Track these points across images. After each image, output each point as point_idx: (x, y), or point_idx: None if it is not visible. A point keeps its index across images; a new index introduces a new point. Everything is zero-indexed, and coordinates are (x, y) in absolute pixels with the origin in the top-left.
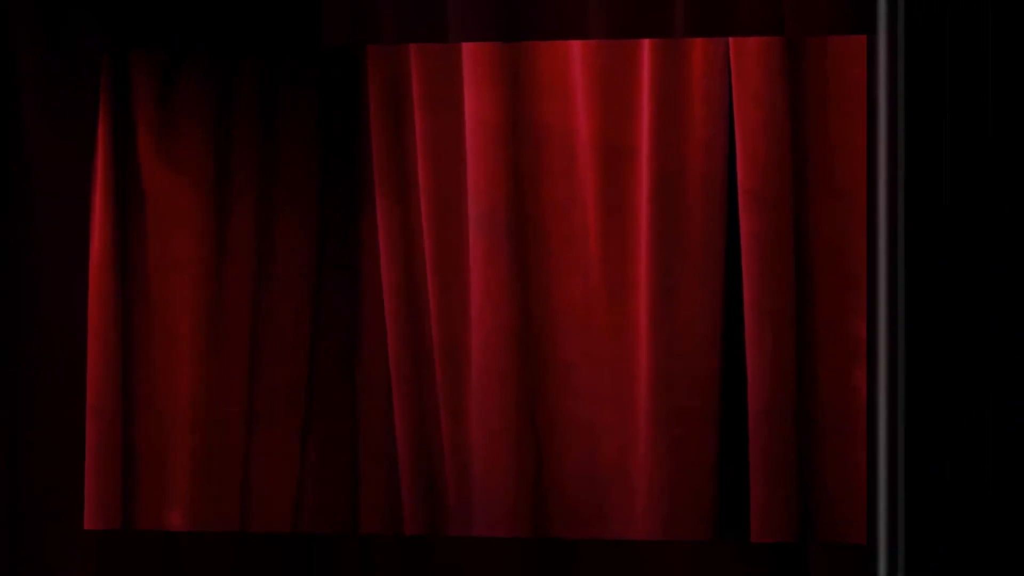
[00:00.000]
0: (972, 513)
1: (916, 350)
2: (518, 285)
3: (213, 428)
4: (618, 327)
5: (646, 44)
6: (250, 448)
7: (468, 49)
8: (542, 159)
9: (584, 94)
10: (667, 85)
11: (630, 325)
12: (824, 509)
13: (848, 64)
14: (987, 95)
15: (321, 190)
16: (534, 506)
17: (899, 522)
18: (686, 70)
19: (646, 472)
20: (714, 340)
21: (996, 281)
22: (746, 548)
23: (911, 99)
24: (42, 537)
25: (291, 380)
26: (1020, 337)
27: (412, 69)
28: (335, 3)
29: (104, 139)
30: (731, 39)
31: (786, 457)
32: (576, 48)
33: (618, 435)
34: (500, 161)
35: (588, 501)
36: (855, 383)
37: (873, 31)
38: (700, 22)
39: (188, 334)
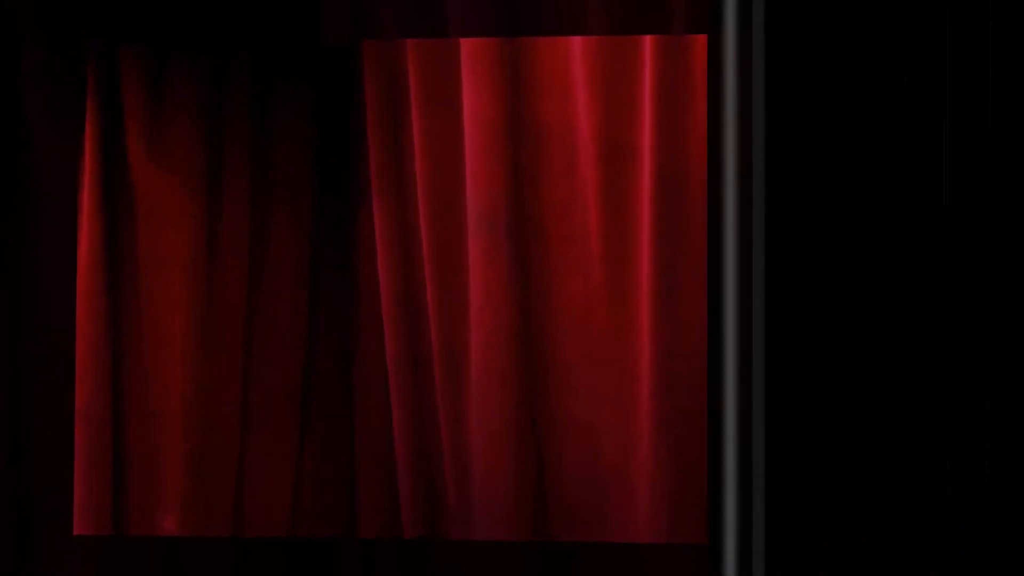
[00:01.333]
0: (831, 512)
1: (774, 348)
2: (518, 285)
3: (207, 430)
4: (619, 327)
5: (647, 41)
6: (245, 451)
7: (467, 46)
8: (542, 157)
9: (585, 92)
10: (669, 83)
11: (631, 325)
12: None
13: None
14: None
15: (317, 188)
16: (535, 508)
17: (754, 521)
18: (688, 67)
19: (648, 473)
20: None
21: (853, 276)
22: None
23: (771, 98)
24: (30, 542)
25: (287, 381)
26: (873, 331)
27: (410, 66)
28: (335, 1)
29: (92, 135)
30: None
31: None
32: (577, 45)
33: (619, 436)
34: (500, 160)
35: (589, 502)
36: None
37: (719, 30)
38: (700, 19)
39: (180, 334)
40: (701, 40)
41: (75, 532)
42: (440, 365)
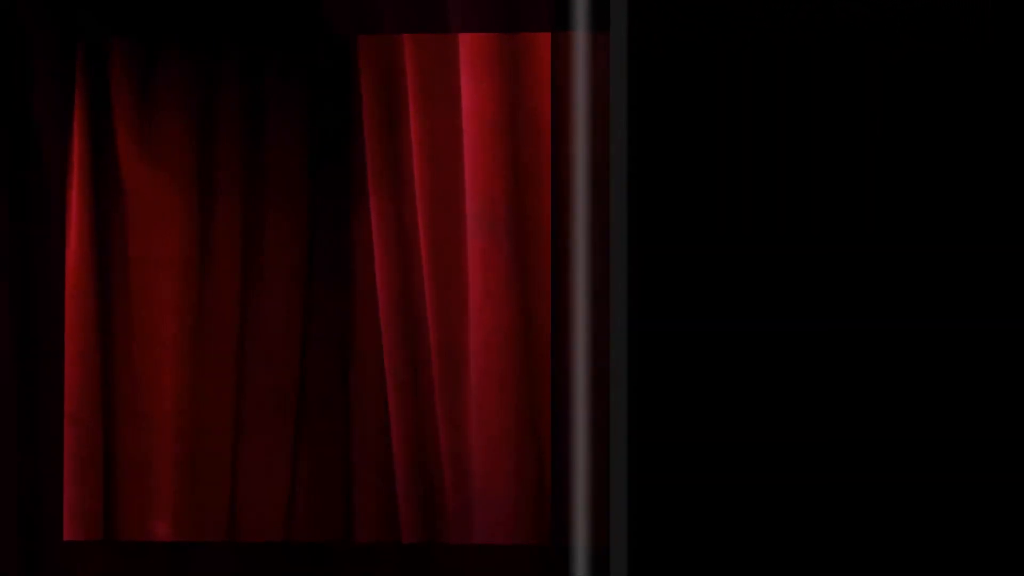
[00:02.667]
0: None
1: (641, 349)
2: (518, 285)
3: (200, 434)
4: None
5: None
6: (239, 454)
7: (465, 41)
8: (542, 155)
9: None
10: None
11: None
12: None
13: None
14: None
15: (311, 187)
16: (536, 510)
17: (620, 524)
18: None
19: None
20: None
21: (733, 278)
22: None
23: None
24: (20, 547)
25: (282, 384)
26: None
27: (407, 61)
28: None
29: (81, 133)
30: None
31: None
32: None
33: None
34: (499, 157)
35: None
36: None
37: (566, 28)
38: None
39: (172, 336)
40: None
41: (65, 538)
42: (439, 366)
